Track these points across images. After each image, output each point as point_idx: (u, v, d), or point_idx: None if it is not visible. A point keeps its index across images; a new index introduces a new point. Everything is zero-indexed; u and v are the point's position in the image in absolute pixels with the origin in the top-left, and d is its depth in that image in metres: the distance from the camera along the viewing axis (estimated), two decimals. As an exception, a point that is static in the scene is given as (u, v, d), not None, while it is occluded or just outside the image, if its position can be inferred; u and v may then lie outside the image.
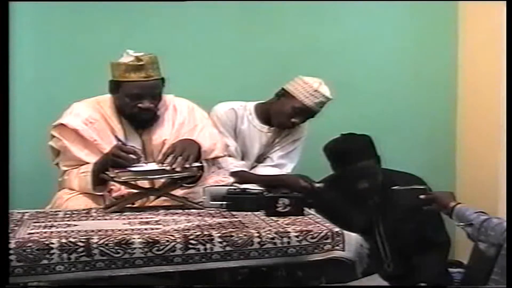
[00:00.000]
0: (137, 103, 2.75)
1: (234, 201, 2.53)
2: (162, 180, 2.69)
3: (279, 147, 3.24)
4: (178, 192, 2.71)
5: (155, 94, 2.78)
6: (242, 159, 3.19)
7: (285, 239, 2.18)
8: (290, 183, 2.94)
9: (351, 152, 2.90)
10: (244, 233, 2.17)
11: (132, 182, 2.62)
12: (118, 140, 2.67)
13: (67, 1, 3.40)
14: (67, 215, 2.49)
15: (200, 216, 2.46)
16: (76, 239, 2.07)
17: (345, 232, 2.23)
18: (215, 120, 3.10)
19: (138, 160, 2.60)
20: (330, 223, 2.32)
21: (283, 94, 3.14)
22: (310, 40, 3.69)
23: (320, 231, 2.22)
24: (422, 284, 2.81)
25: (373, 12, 3.75)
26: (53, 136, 2.80)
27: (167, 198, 2.68)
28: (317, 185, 2.96)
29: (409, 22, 3.81)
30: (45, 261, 2.02)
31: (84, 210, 2.58)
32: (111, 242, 2.07)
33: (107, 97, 2.85)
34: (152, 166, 2.63)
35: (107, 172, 2.58)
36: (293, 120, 3.13)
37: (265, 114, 3.21)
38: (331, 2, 3.65)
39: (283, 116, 3.13)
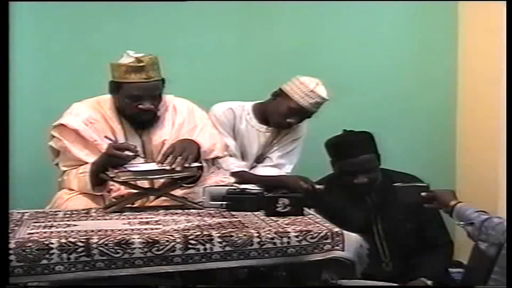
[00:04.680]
0: (138, 104, 2.75)
1: (234, 201, 2.53)
2: (162, 180, 2.69)
3: (278, 147, 3.23)
4: (178, 192, 2.71)
5: (155, 95, 2.79)
6: (242, 159, 3.19)
7: (285, 239, 2.18)
8: (291, 184, 2.94)
9: (352, 146, 2.91)
10: (244, 233, 2.17)
11: (132, 182, 2.62)
12: (108, 139, 2.67)
13: (67, 1, 3.40)
14: (67, 215, 2.49)
15: (200, 216, 2.46)
16: (75, 239, 2.07)
17: (345, 232, 2.24)
18: (213, 120, 3.09)
19: (135, 155, 2.60)
20: (330, 223, 2.32)
21: (280, 94, 3.14)
22: (310, 41, 3.69)
23: (319, 231, 2.22)
24: (428, 282, 2.81)
25: (373, 13, 3.75)
26: (53, 136, 2.80)
27: (167, 198, 2.68)
28: (318, 186, 2.95)
29: (409, 22, 3.81)
30: (44, 261, 2.02)
31: (83, 210, 2.58)
32: (110, 242, 2.07)
33: (108, 98, 2.85)
34: (152, 166, 2.63)
35: (106, 172, 2.59)
36: (288, 120, 3.13)
37: (263, 114, 3.21)
38: (331, 2, 3.65)
39: (279, 116, 3.13)
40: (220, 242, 2.14)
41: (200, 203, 2.61)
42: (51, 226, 2.29)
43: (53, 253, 2.03)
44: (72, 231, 2.20)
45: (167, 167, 2.56)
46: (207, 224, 2.32)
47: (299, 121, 3.17)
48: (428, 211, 2.61)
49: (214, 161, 2.89)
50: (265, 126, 3.21)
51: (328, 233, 2.22)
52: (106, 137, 2.71)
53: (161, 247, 2.09)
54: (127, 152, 2.58)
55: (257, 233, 2.18)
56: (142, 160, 2.72)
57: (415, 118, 3.82)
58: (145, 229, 2.24)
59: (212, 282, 2.44)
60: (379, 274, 2.80)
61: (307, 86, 3.08)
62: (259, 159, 3.24)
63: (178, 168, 2.55)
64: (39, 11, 3.42)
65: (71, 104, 2.87)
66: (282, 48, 3.65)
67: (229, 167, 3.04)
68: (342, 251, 2.21)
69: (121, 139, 2.76)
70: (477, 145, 3.72)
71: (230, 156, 3.10)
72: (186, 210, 2.56)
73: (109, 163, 2.58)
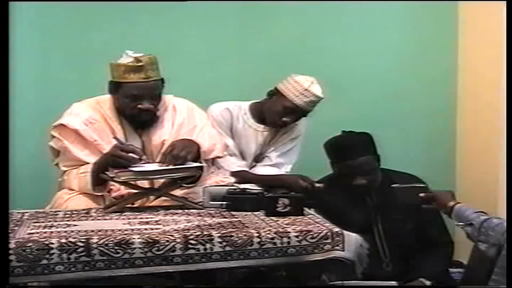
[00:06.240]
0: (137, 104, 2.75)
1: (234, 201, 2.53)
2: (162, 180, 2.69)
3: (277, 146, 3.23)
4: (178, 192, 2.71)
5: (154, 95, 2.79)
6: (240, 158, 3.19)
7: (285, 239, 2.18)
8: (290, 183, 2.94)
9: (351, 148, 2.91)
10: (244, 233, 2.17)
11: (132, 182, 2.62)
12: (117, 140, 2.67)
13: (67, 1, 3.40)
14: (67, 215, 2.49)
15: (200, 216, 2.46)
16: (76, 239, 2.07)
17: (345, 232, 2.24)
18: (210, 120, 3.09)
19: (140, 158, 2.60)
20: (330, 223, 2.32)
21: (275, 93, 3.14)
22: (310, 40, 3.70)
23: (320, 231, 2.22)
24: (427, 283, 2.81)
25: (373, 13, 3.75)
26: (53, 137, 2.80)
27: (167, 198, 2.68)
28: (317, 185, 2.95)
29: (409, 22, 3.81)
30: (45, 261, 2.02)
31: (84, 210, 2.58)
32: (111, 242, 2.07)
33: (107, 98, 2.85)
34: (152, 166, 2.63)
35: (107, 172, 2.58)
36: (284, 119, 3.13)
37: (259, 113, 3.21)
38: (330, 2, 3.65)
39: (274, 115, 3.13)
40: (220, 242, 2.14)
41: (200, 203, 2.61)
42: (51, 226, 2.29)
43: (53, 253, 2.03)
44: (72, 231, 2.20)
45: (167, 167, 2.56)
46: (207, 224, 2.32)
47: (295, 120, 3.17)
48: (428, 211, 2.61)
49: (214, 161, 2.89)
50: (262, 126, 3.21)
51: (328, 233, 2.22)
52: (115, 137, 2.70)
53: (161, 247, 2.09)
54: (131, 154, 2.58)
55: (257, 233, 2.18)
56: (142, 160, 2.71)
57: (415, 118, 3.82)
58: (145, 229, 2.24)
59: (212, 282, 2.44)
60: (379, 274, 2.80)
61: (301, 85, 3.08)
62: (258, 158, 3.24)
63: (178, 162, 2.55)
64: (39, 11, 3.42)
65: (71, 104, 2.87)
66: (281, 48, 3.65)
67: (230, 166, 3.05)
68: (342, 251, 2.21)
69: (119, 139, 2.75)
70: (477, 146, 3.72)
71: (230, 155, 3.10)
72: (186, 210, 2.56)
73: (112, 164, 2.58)
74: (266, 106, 3.18)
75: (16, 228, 2.27)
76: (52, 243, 2.05)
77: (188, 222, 2.34)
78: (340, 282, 2.49)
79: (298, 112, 3.13)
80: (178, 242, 2.11)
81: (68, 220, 2.39)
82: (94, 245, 2.06)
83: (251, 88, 3.46)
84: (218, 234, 2.16)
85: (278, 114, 3.12)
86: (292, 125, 3.20)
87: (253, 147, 3.21)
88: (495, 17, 3.40)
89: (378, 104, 3.75)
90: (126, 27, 3.51)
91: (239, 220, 2.37)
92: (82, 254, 2.04)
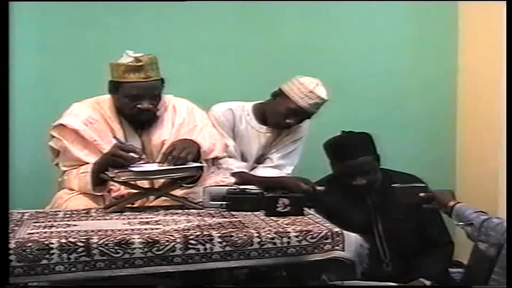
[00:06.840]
0: (136, 104, 2.75)
1: (234, 201, 2.53)
2: (162, 180, 2.69)
3: (279, 148, 3.22)
4: (178, 192, 2.71)
5: (154, 94, 2.79)
6: (242, 160, 3.18)
7: (285, 239, 2.18)
8: (291, 185, 2.92)
9: (350, 148, 2.90)
10: (244, 233, 2.17)
11: (132, 182, 2.62)
12: (117, 139, 2.67)
13: (68, 0, 3.41)
14: (67, 215, 2.49)
15: (200, 216, 2.46)
16: (76, 239, 2.07)
17: (345, 232, 2.24)
18: (212, 120, 3.08)
19: (140, 158, 2.60)
20: (330, 223, 2.32)
21: (279, 94, 3.13)
22: (310, 41, 3.69)
23: (320, 231, 2.22)
24: (427, 283, 2.81)
25: (373, 12, 3.75)
26: (53, 137, 2.80)
27: (167, 198, 2.68)
28: (319, 188, 2.94)
29: (409, 22, 3.81)
30: (45, 261, 2.02)
31: (84, 210, 2.58)
32: (111, 242, 2.07)
33: (107, 98, 2.85)
34: (152, 166, 2.63)
35: (106, 172, 2.59)
36: (287, 120, 3.12)
37: (262, 114, 3.20)
38: (331, 2, 3.65)
39: (278, 116, 3.12)
40: (220, 242, 2.14)
41: (200, 203, 2.61)
42: (51, 226, 2.29)
43: (53, 253, 2.03)
44: (72, 231, 2.20)
45: (168, 167, 2.56)
46: (207, 224, 2.32)
47: (298, 121, 3.16)
48: (428, 211, 2.61)
49: (214, 161, 2.89)
50: (265, 127, 3.20)
51: (328, 233, 2.22)
52: (115, 137, 2.70)
53: (161, 247, 2.09)
54: (132, 154, 2.58)
55: (257, 233, 2.18)
56: (142, 160, 2.72)
57: (415, 118, 3.82)
58: (145, 229, 2.24)
59: (212, 282, 2.44)
60: (379, 274, 2.80)
61: (306, 87, 3.07)
62: (260, 159, 3.23)
63: (178, 162, 2.55)
64: (39, 11, 3.42)
65: (70, 104, 2.87)
66: (281, 47, 3.65)
67: (229, 168, 3.04)
68: (342, 251, 2.22)
69: (119, 139, 2.75)
70: (477, 146, 3.72)
71: (230, 157, 3.09)
72: (186, 210, 2.56)
73: (112, 164, 2.58)
74: (269, 107, 3.18)
75: (16, 228, 2.27)
76: (52, 243, 2.05)
77: (188, 222, 2.34)
78: (340, 282, 2.49)
79: (302, 114, 3.12)
80: (178, 242, 2.11)
81: (68, 220, 2.39)
82: (94, 245, 2.06)
83: (251, 88, 3.46)
84: (218, 234, 2.16)
85: (281, 116, 3.12)
86: (295, 126, 3.19)
87: (255, 148, 3.21)
88: (495, 17, 3.40)
89: (378, 104, 3.75)
90: (126, 27, 3.51)
91: (239, 220, 2.37)
92: (82, 254, 2.04)
